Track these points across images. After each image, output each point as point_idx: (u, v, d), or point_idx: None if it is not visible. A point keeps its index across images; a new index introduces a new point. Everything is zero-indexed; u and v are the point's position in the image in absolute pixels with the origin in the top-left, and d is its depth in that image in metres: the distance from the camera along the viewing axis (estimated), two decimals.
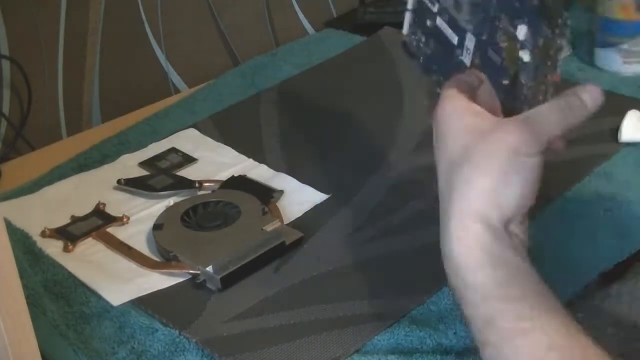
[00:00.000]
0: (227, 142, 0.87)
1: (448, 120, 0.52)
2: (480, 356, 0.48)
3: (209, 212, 0.73)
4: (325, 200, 0.77)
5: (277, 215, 0.73)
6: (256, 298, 0.66)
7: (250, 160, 0.84)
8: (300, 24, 1.20)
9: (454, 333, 0.61)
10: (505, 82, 0.53)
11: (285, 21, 1.18)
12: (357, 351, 0.61)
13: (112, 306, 0.66)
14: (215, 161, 0.84)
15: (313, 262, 0.69)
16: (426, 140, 0.55)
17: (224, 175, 0.80)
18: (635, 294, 0.66)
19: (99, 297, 0.67)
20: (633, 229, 0.71)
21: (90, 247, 0.73)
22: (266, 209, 0.73)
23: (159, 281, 0.68)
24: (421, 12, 0.62)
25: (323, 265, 0.69)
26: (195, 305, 0.66)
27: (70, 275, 0.69)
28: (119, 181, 0.79)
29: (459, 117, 0.52)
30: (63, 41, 0.96)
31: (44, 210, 0.78)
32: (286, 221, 0.73)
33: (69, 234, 0.74)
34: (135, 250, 0.72)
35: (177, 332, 0.63)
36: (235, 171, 0.80)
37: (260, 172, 0.82)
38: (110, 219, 0.75)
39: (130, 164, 0.84)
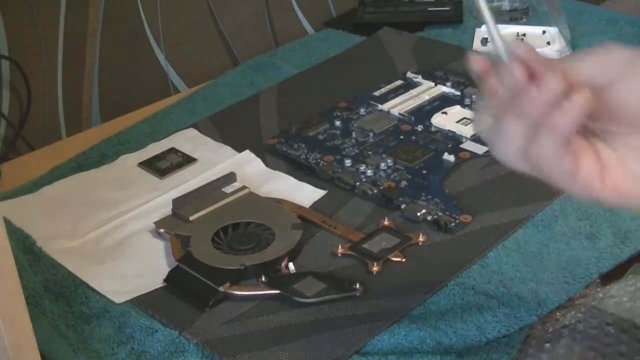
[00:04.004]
0: (226, 142, 0.88)
1: None
2: None
3: None
4: (324, 199, 0.78)
5: None
6: (257, 298, 0.66)
7: (248, 157, 0.84)
8: (300, 24, 1.20)
9: (454, 332, 0.62)
10: None
11: (285, 21, 1.18)
12: (357, 351, 0.61)
13: (111, 306, 0.66)
14: (214, 161, 0.84)
15: (313, 261, 0.69)
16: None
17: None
18: (635, 294, 0.66)
19: (99, 297, 0.67)
20: (633, 229, 0.71)
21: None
22: None
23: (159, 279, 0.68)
24: None
25: (323, 265, 0.69)
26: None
27: (70, 275, 0.69)
28: None
29: None
30: (63, 41, 0.96)
31: (44, 210, 0.78)
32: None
33: None
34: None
35: (177, 332, 0.63)
36: (233, 169, 0.80)
37: (256, 170, 0.82)
38: None
39: (129, 164, 0.84)
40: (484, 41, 1.07)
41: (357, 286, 0.65)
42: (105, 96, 1.01)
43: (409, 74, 0.99)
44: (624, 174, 0.48)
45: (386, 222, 0.73)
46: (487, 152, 0.83)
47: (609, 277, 0.68)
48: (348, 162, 0.82)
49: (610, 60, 0.48)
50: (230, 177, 0.78)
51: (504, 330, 0.62)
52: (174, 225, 0.73)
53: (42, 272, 0.69)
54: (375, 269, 0.68)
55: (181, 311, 0.65)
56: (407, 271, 0.68)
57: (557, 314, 0.64)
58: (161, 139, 0.89)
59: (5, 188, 0.83)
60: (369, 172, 0.80)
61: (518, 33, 1.09)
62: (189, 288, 0.67)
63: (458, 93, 0.94)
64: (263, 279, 0.66)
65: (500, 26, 1.15)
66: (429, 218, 0.74)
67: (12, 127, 0.93)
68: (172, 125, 0.92)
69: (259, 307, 0.65)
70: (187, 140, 0.88)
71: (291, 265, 0.68)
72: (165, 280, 0.68)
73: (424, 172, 0.80)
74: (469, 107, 0.91)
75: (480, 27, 1.10)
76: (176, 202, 0.75)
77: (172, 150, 0.86)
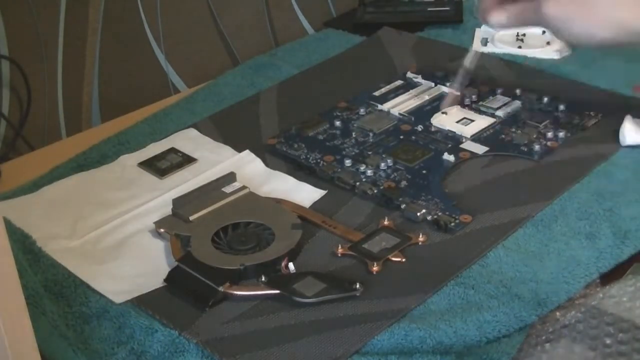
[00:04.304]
0: (226, 142, 0.88)
1: None
2: None
3: None
4: (324, 199, 0.78)
5: None
6: (256, 299, 0.66)
7: (247, 157, 0.84)
8: (300, 24, 1.20)
9: (454, 332, 0.62)
10: None
11: (285, 21, 1.18)
12: (357, 351, 0.61)
13: (111, 306, 0.66)
14: (215, 161, 0.84)
15: (314, 261, 0.69)
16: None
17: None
18: (635, 294, 0.66)
19: (99, 297, 0.67)
20: (633, 229, 0.71)
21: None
22: None
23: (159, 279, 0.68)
24: None
25: (323, 264, 0.69)
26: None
27: (70, 275, 0.69)
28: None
29: None
30: (63, 41, 0.96)
31: (44, 210, 0.78)
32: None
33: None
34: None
35: (177, 332, 0.63)
36: (233, 169, 0.80)
37: (256, 170, 0.82)
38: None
39: (129, 164, 0.84)
40: (484, 41, 1.07)
41: (357, 286, 0.65)
42: (105, 96, 1.01)
43: (409, 74, 0.99)
44: None
45: (386, 222, 0.73)
46: (487, 152, 0.83)
47: (609, 277, 0.68)
48: (348, 162, 0.82)
49: None
50: (230, 177, 0.78)
51: (504, 330, 0.62)
52: (174, 225, 0.73)
53: (42, 272, 0.69)
54: (375, 269, 0.68)
55: (181, 311, 0.65)
56: (407, 271, 0.68)
57: (557, 314, 0.64)
58: (161, 139, 0.89)
59: (5, 188, 0.83)
60: (369, 172, 0.80)
61: (518, 33, 1.09)
62: (189, 288, 0.67)
63: (458, 93, 0.94)
64: (263, 279, 0.66)
65: None
66: (429, 218, 0.74)
67: (12, 127, 0.93)
68: (172, 125, 0.92)
69: (259, 307, 0.65)
70: (187, 140, 0.88)
71: (291, 265, 0.68)
72: (165, 280, 0.68)
73: (424, 172, 0.80)
74: (469, 107, 0.91)
75: (480, 27, 1.11)
76: (176, 202, 0.75)
77: (172, 150, 0.86)
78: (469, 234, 0.72)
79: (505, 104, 0.91)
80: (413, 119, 0.90)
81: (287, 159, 0.84)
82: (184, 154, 0.85)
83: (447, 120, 0.89)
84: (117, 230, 0.75)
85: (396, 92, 0.95)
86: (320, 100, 0.94)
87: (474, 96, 0.92)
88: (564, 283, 0.66)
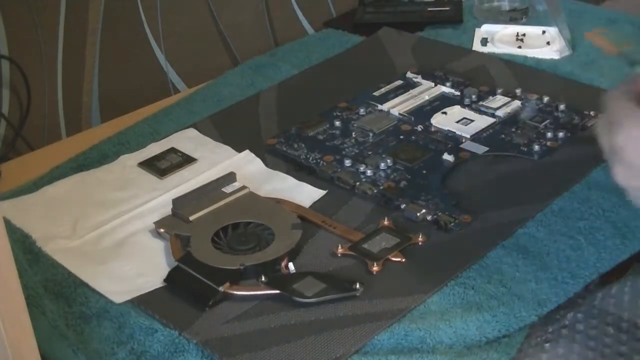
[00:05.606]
0: (226, 142, 0.88)
1: None
2: None
3: None
4: (324, 199, 0.78)
5: None
6: (256, 299, 0.66)
7: (247, 157, 0.84)
8: (299, 24, 1.20)
9: (454, 332, 0.62)
10: None
11: (284, 21, 1.18)
12: (357, 351, 0.61)
13: (111, 306, 0.66)
14: (215, 161, 0.84)
15: (313, 261, 0.69)
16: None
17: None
18: (635, 294, 0.66)
19: (99, 297, 0.67)
20: (633, 228, 0.71)
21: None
22: None
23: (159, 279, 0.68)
24: None
25: (323, 265, 0.69)
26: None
27: (71, 275, 0.69)
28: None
29: None
30: (63, 41, 0.96)
31: (44, 209, 0.78)
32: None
33: None
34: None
35: (177, 332, 0.63)
36: (233, 169, 0.80)
37: (256, 170, 0.82)
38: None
39: (129, 164, 0.84)
40: (484, 41, 1.07)
41: (357, 286, 0.65)
42: (105, 96, 1.01)
43: (409, 74, 0.99)
44: None
45: (386, 222, 0.73)
46: (487, 152, 0.83)
47: (609, 277, 0.68)
48: (348, 162, 0.82)
49: None
50: (230, 177, 0.78)
51: (504, 330, 0.62)
52: (174, 225, 0.73)
53: (42, 272, 0.69)
54: (375, 269, 0.68)
55: (181, 311, 0.65)
56: (407, 271, 0.68)
57: (557, 314, 0.64)
58: (161, 139, 0.89)
59: (5, 188, 0.83)
60: (369, 172, 0.80)
61: (518, 33, 1.09)
62: (189, 288, 0.67)
63: (458, 93, 0.94)
64: (263, 279, 0.66)
65: (500, 26, 1.15)
66: (429, 218, 0.74)
67: (12, 127, 0.93)
68: (172, 125, 0.92)
69: (259, 307, 0.65)
70: (187, 140, 0.88)
71: (291, 265, 0.68)
72: (165, 280, 0.68)
73: (424, 172, 0.80)
74: (469, 107, 0.91)
75: (480, 27, 1.10)
76: (176, 202, 0.75)
77: (172, 150, 0.86)
78: (469, 234, 0.72)
79: (505, 104, 0.91)
80: (413, 119, 0.90)
81: (287, 159, 0.84)
82: (184, 154, 0.85)
83: (447, 120, 0.89)
84: (117, 230, 0.75)
85: (396, 92, 0.95)
86: (320, 100, 0.94)
87: (474, 96, 0.92)
88: (564, 283, 0.66)
